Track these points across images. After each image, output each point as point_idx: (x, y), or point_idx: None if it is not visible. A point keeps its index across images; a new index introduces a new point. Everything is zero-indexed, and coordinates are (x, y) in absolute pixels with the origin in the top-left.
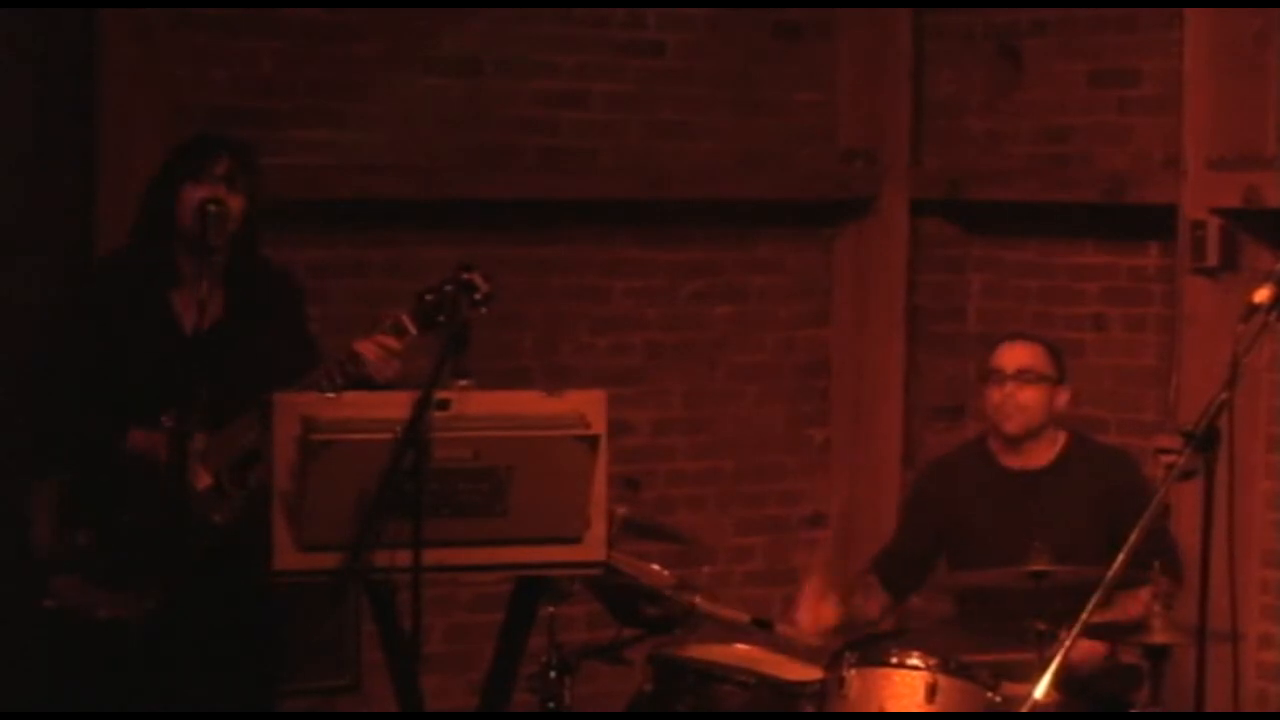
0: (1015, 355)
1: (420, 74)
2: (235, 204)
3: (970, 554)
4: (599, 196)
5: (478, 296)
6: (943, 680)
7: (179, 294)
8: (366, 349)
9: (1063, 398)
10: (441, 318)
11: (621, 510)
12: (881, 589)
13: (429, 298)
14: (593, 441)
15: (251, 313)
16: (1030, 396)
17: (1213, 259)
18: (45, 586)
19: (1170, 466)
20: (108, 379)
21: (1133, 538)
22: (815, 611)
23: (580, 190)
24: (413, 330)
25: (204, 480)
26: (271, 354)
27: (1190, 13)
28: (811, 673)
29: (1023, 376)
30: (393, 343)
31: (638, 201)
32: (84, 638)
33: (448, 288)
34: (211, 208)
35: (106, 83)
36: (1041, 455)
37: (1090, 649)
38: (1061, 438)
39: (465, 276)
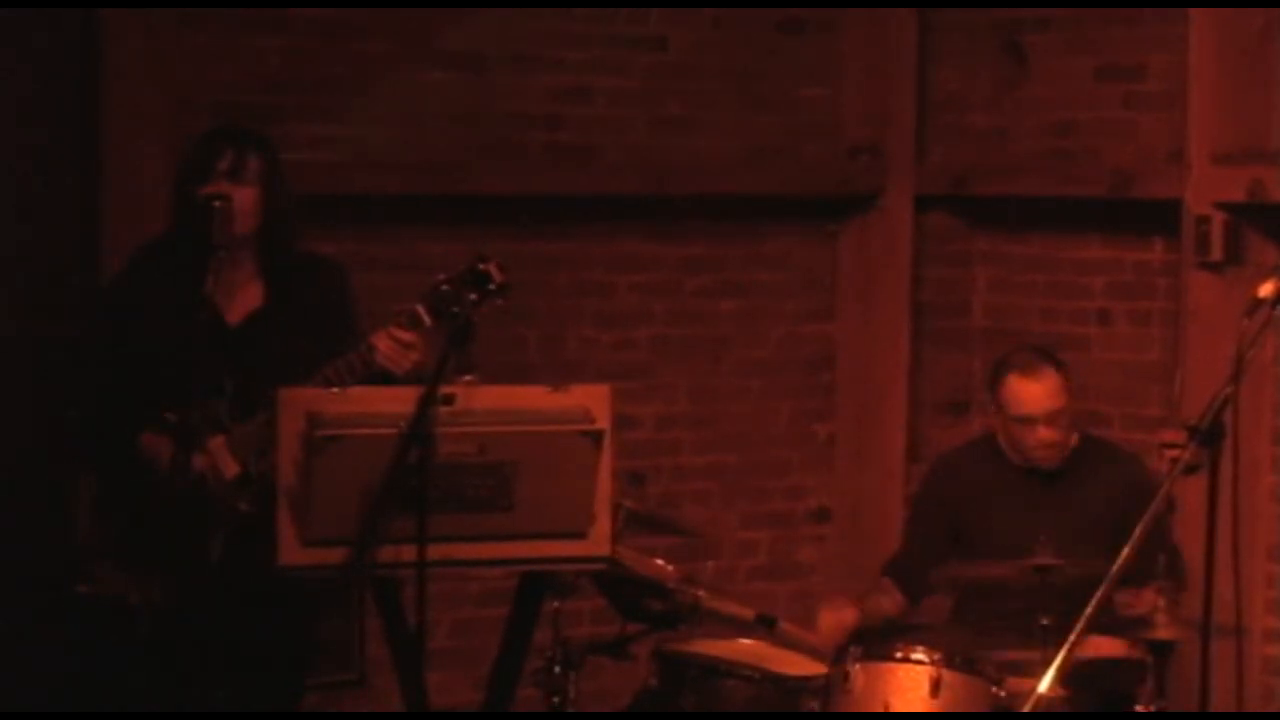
0: (1041, 397)
1: (425, 70)
2: (245, 197)
3: (980, 550)
4: (604, 192)
5: (492, 287)
6: (947, 675)
7: (216, 291)
8: (380, 342)
9: (1073, 407)
10: (455, 308)
11: (627, 504)
12: (898, 591)
13: (444, 288)
14: (598, 436)
15: (288, 303)
16: (1061, 436)
17: (1217, 253)
18: (84, 572)
19: (1175, 461)
20: (140, 373)
21: (1137, 532)
22: (834, 622)
23: (585, 186)
24: (428, 321)
25: (232, 469)
26: (311, 344)
27: (1195, 8)
28: (816, 667)
29: (1054, 419)
30: (407, 335)
31: (642, 197)
32: (118, 623)
33: (462, 278)
34: (215, 204)
35: (110, 81)
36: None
37: (1109, 645)
38: (1073, 440)
39: (480, 267)
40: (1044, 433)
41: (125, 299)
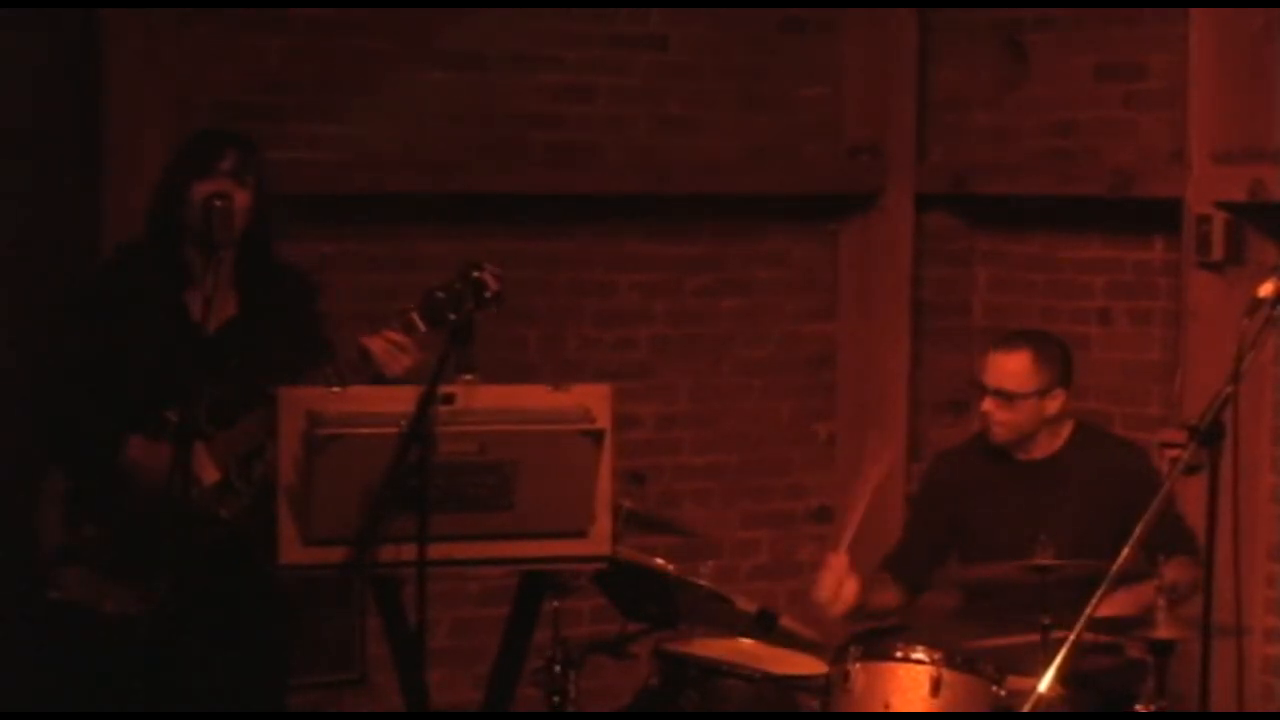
0: (997, 372)
1: (425, 69)
2: (242, 199)
3: (978, 546)
4: (605, 191)
5: (487, 295)
6: (947, 674)
7: (190, 292)
8: (374, 344)
9: (1055, 403)
10: (452, 315)
11: (626, 504)
12: (896, 584)
13: (439, 295)
14: (598, 436)
15: (263, 312)
16: (1009, 416)
17: (1218, 253)
18: (52, 579)
19: (1175, 461)
20: (116, 375)
21: (1137, 531)
22: (838, 587)
23: (586, 185)
24: (422, 328)
25: (211, 475)
26: (282, 353)
27: (1195, 8)
28: (816, 667)
29: (1001, 396)
30: (401, 339)
31: (643, 196)
32: (90, 631)
33: (457, 286)
34: (217, 203)
35: (111, 81)
36: (1046, 447)
37: (1139, 596)
38: (1066, 428)
39: (475, 276)
40: (988, 404)
41: (104, 301)
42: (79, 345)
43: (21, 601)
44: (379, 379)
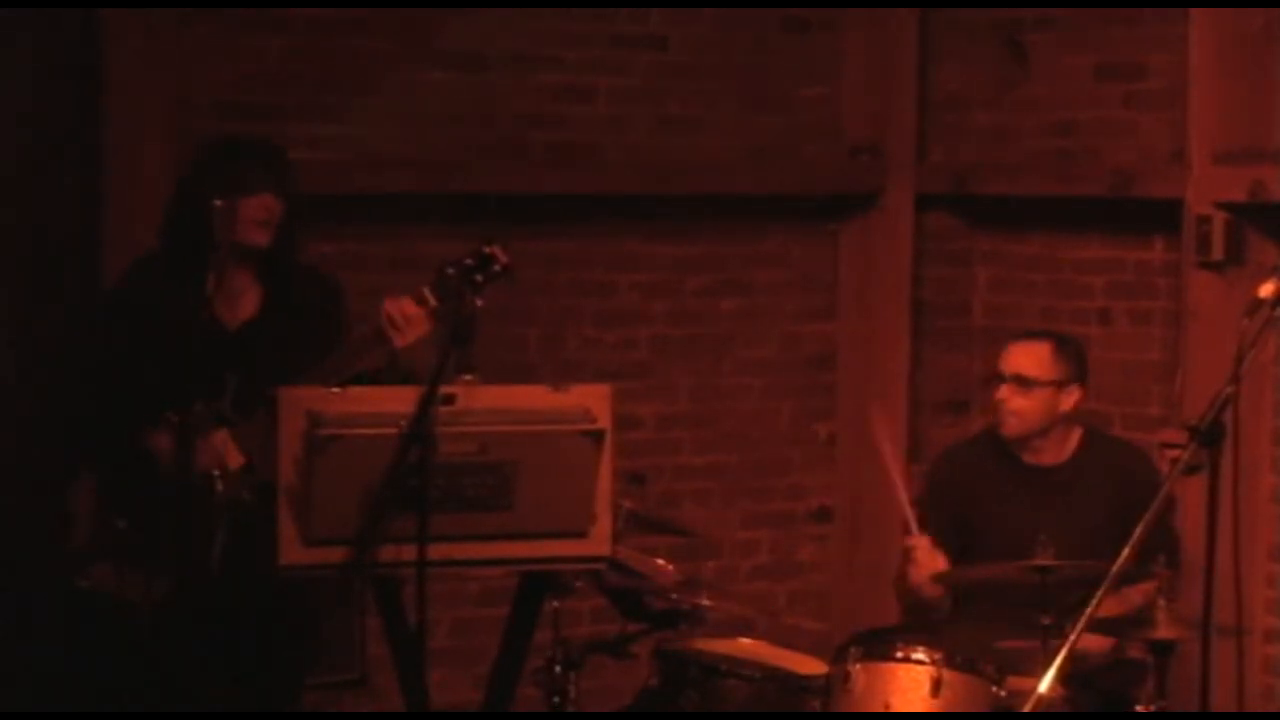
0: (1017, 358)
1: (425, 69)
2: (278, 209)
3: (981, 546)
4: (605, 191)
5: (497, 268)
6: (948, 675)
7: (216, 294)
8: (392, 308)
9: (1070, 399)
10: (462, 289)
11: (627, 504)
12: None
13: (450, 270)
14: (598, 436)
15: (287, 312)
16: (1024, 404)
17: (1218, 253)
18: (83, 571)
19: (1175, 461)
20: (141, 373)
21: (1137, 532)
22: (931, 564)
23: (586, 185)
24: (433, 301)
25: (236, 460)
26: (306, 351)
27: (1195, 8)
28: (817, 667)
29: (1018, 382)
30: (412, 308)
31: (644, 196)
32: (114, 621)
33: (468, 261)
34: (217, 203)
35: (111, 81)
36: (1055, 452)
37: (1098, 642)
38: (1076, 434)
39: (486, 250)
40: (1004, 391)
41: (127, 302)
42: (99, 345)
43: (53, 594)
44: (374, 378)
